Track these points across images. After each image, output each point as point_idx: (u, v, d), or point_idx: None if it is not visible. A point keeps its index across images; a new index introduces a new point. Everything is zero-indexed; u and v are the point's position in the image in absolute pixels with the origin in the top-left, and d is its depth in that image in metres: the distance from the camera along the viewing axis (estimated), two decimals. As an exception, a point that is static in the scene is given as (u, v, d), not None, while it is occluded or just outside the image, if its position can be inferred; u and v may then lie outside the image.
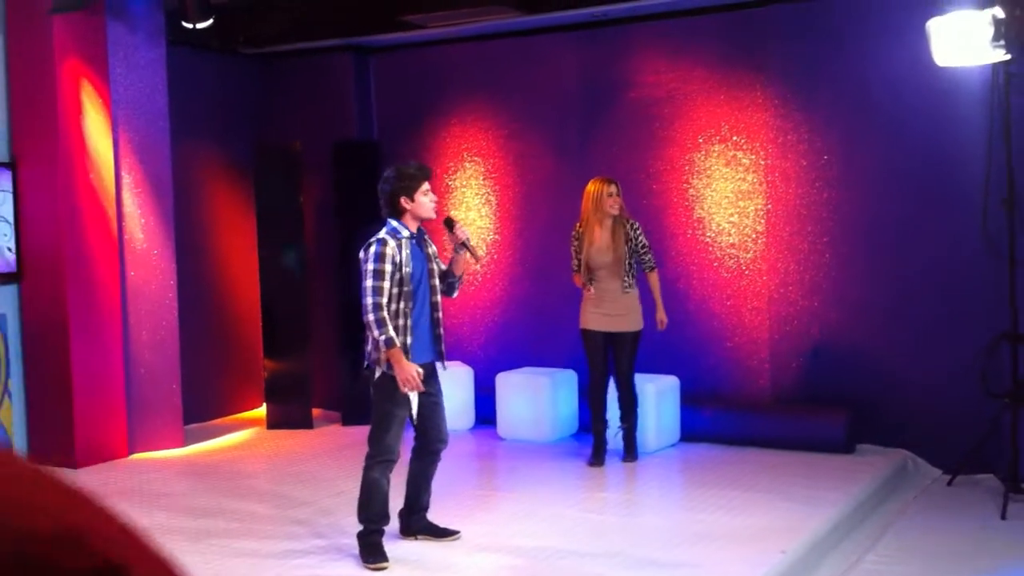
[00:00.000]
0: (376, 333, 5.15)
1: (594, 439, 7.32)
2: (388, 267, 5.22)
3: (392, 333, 5.15)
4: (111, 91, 7.70)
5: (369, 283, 5.19)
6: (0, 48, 7.49)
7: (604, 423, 7.30)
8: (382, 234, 5.33)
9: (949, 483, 7.06)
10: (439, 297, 5.47)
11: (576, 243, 7.23)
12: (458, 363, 8.68)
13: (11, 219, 7.49)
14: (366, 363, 5.37)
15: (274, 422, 8.79)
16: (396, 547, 5.55)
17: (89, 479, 7.16)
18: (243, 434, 8.65)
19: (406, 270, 5.26)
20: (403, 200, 5.35)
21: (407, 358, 5.19)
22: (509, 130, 8.93)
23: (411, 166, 5.49)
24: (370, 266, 5.21)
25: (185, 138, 8.67)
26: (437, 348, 5.47)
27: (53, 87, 7.35)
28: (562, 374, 8.25)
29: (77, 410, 7.41)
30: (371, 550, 5.30)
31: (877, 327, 7.61)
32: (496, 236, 8.99)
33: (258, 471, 7.43)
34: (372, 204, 8.88)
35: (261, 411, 9.27)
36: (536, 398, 8.05)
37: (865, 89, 7.57)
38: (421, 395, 5.36)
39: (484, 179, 9.05)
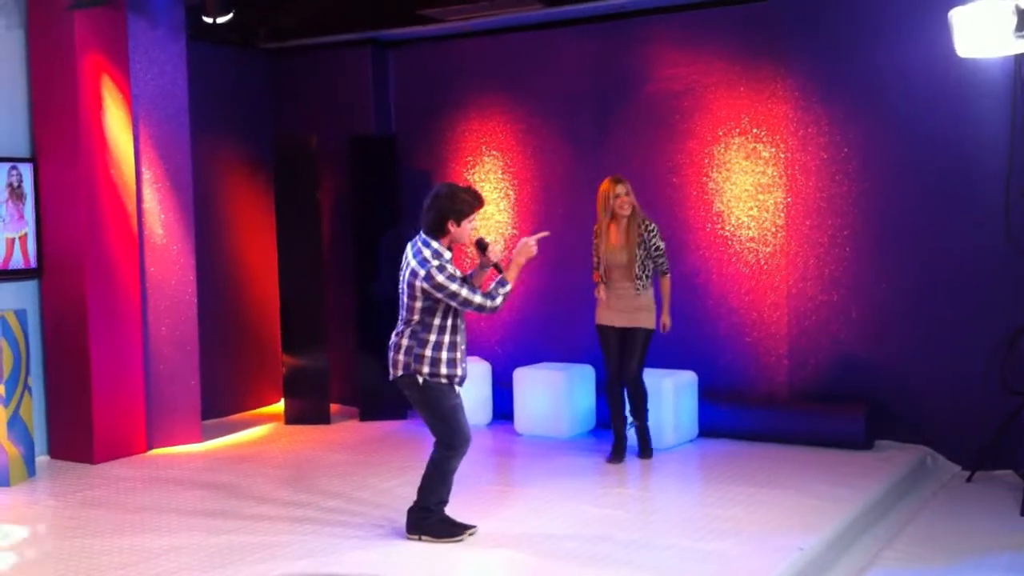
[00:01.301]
0: (497, 302, 5.34)
1: (613, 435, 7.30)
2: (451, 267, 5.34)
3: (489, 288, 5.38)
4: (131, 86, 7.74)
5: (455, 287, 5.26)
6: (21, 43, 7.53)
7: (623, 419, 7.29)
8: (435, 247, 5.36)
9: (968, 479, 7.02)
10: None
11: (595, 240, 7.23)
12: (476, 359, 8.69)
13: (32, 215, 7.52)
14: (402, 373, 5.44)
15: (292, 417, 8.82)
16: (411, 541, 5.55)
17: (108, 474, 7.20)
18: (261, 429, 8.68)
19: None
20: (450, 223, 5.37)
21: (454, 369, 5.41)
22: (527, 124, 8.91)
23: (468, 192, 5.46)
24: (442, 272, 5.26)
25: (204, 133, 8.70)
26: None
27: (74, 82, 7.38)
28: (579, 369, 8.23)
29: (96, 405, 7.45)
30: (445, 526, 5.54)
31: (896, 322, 7.56)
32: (514, 231, 8.97)
33: (276, 466, 7.45)
34: (389, 198, 8.93)
35: (279, 406, 9.29)
36: (553, 394, 8.04)
37: (886, 82, 7.51)
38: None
39: (502, 173, 9.04)
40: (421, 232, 5.43)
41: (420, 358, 5.36)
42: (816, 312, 7.84)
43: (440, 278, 5.25)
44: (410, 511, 5.58)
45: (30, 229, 7.51)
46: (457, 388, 5.49)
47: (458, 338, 5.43)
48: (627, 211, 7.09)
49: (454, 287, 5.26)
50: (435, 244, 5.37)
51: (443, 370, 5.38)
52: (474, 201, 5.42)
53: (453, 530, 5.54)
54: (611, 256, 7.13)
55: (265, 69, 9.64)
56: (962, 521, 6.19)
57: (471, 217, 5.40)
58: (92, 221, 7.47)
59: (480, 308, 5.32)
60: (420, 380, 5.37)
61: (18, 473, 6.95)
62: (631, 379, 7.22)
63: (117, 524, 6.00)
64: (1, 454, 6.83)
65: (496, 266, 5.50)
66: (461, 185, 5.56)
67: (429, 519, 5.54)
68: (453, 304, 5.31)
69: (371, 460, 7.50)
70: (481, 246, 5.53)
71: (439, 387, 5.40)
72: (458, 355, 5.43)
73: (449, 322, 5.38)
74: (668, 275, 7.27)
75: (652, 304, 7.18)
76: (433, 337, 5.35)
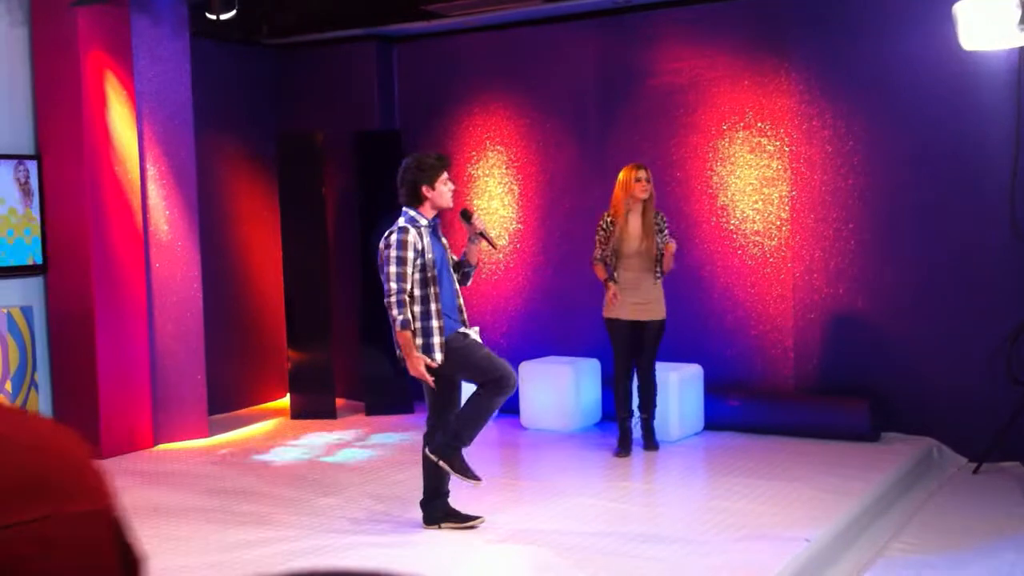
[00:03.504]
0: (395, 312, 5.33)
1: (619, 429, 7.30)
2: (410, 254, 5.39)
3: (409, 316, 5.34)
4: (135, 83, 7.74)
5: (392, 268, 5.36)
6: (25, 41, 7.54)
7: (630, 412, 7.28)
8: (402, 223, 5.49)
9: (975, 471, 7.01)
10: (458, 285, 5.69)
11: (602, 232, 7.18)
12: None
13: (37, 211, 7.54)
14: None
15: (298, 412, 8.83)
16: (418, 534, 5.57)
17: (115, 469, 7.21)
18: (267, 424, 8.70)
19: (429, 256, 5.44)
20: (424, 189, 5.52)
21: (442, 337, 5.39)
22: (531, 119, 8.91)
23: (431, 156, 5.63)
24: (393, 253, 5.38)
25: (208, 129, 8.71)
26: (461, 318, 5.65)
27: (78, 79, 7.39)
28: (585, 363, 8.24)
29: (103, 401, 7.47)
30: (463, 464, 5.47)
31: (902, 314, 7.55)
32: (519, 225, 8.98)
33: (282, 461, 7.46)
34: (394, 193, 8.91)
35: (285, 401, 9.31)
36: (559, 387, 8.05)
37: (891, 74, 7.50)
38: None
39: (506, 168, 9.04)
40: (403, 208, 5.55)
41: (423, 347, 5.41)
42: (822, 305, 7.83)
43: (388, 254, 5.36)
44: (438, 436, 5.56)
45: (36, 224, 7.52)
46: (463, 333, 5.50)
47: (437, 305, 5.41)
48: (646, 195, 7.06)
49: (391, 269, 5.33)
50: (412, 212, 5.49)
51: (435, 339, 5.39)
52: (437, 163, 5.57)
53: (467, 469, 5.48)
54: (628, 245, 7.10)
55: (269, 65, 9.65)
56: (969, 513, 6.19)
57: (442, 178, 5.53)
58: (97, 218, 7.48)
59: (385, 291, 5.35)
60: (435, 364, 5.41)
61: (25, 469, 6.96)
62: (644, 372, 7.21)
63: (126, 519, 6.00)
64: (8, 450, 6.83)
65: (484, 236, 5.59)
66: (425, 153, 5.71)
67: (454, 453, 5.46)
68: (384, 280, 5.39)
69: (379, 454, 7.51)
70: (465, 216, 5.64)
71: (448, 353, 5.42)
72: (433, 323, 5.39)
73: (430, 291, 5.42)
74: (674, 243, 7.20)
75: (663, 295, 7.18)
76: (418, 310, 5.41)
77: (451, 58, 9.26)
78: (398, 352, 5.47)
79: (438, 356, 5.40)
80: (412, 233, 5.41)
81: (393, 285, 5.34)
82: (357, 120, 9.28)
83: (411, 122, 9.40)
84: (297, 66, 9.66)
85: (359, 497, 6.35)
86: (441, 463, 5.49)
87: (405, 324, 5.33)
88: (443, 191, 5.55)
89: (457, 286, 5.64)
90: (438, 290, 5.44)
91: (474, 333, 5.64)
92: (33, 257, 7.47)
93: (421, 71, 9.41)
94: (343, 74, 9.49)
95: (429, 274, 5.42)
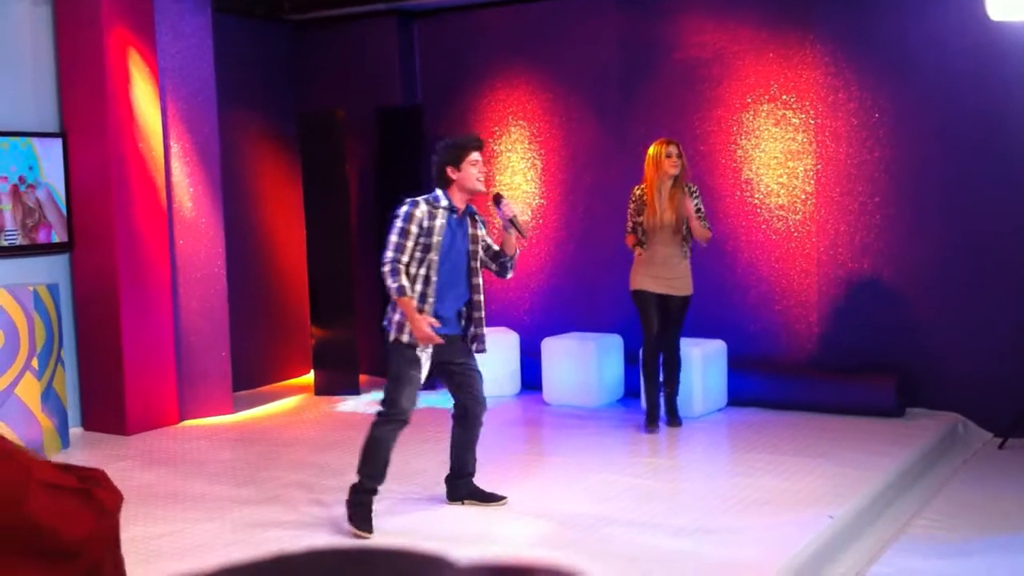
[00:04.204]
0: (389, 281, 5.19)
1: (647, 404, 7.26)
2: (414, 228, 5.24)
3: (405, 282, 5.19)
4: (158, 60, 7.75)
5: (393, 238, 5.24)
6: (48, 19, 7.56)
7: (658, 387, 7.25)
8: (419, 198, 5.35)
9: (1000, 446, 6.97)
10: (479, 280, 5.45)
11: (633, 205, 7.15)
12: (504, 328, 8.70)
13: (63, 189, 7.58)
14: (384, 322, 5.39)
15: (322, 388, 8.86)
16: (442, 511, 5.59)
17: (140, 446, 7.27)
18: (291, 400, 8.74)
19: (436, 238, 5.25)
20: (449, 170, 5.35)
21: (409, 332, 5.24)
22: (554, 93, 8.87)
23: (462, 136, 5.46)
24: (398, 224, 5.26)
25: (230, 106, 8.71)
26: (465, 327, 5.45)
27: (101, 57, 7.41)
28: (608, 339, 8.22)
29: (128, 378, 7.52)
30: (360, 512, 5.24)
31: (927, 289, 7.50)
32: (541, 200, 8.95)
33: (306, 437, 7.49)
34: (416, 169, 8.93)
35: (309, 377, 9.34)
36: (582, 363, 8.04)
37: (917, 45, 7.42)
38: (453, 365, 5.42)
39: (529, 143, 9.00)
40: None
41: (398, 324, 5.30)
42: (847, 280, 7.78)
43: (394, 223, 5.25)
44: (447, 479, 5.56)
45: (62, 204, 7.57)
46: (419, 352, 5.27)
47: (428, 290, 5.25)
48: (676, 170, 7.01)
49: (392, 238, 5.23)
50: (439, 192, 5.33)
51: (404, 331, 5.28)
52: (467, 142, 5.39)
53: (358, 520, 5.22)
54: (658, 220, 7.06)
55: (290, 41, 9.64)
56: (993, 488, 6.16)
57: (470, 159, 5.32)
58: (122, 195, 7.51)
59: (382, 259, 5.22)
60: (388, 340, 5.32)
61: (52, 444, 7.03)
62: (669, 347, 7.19)
63: (150, 494, 6.06)
64: (35, 426, 6.91)
65: (514, 223, 5.39)
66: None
67: (354, 487, 5.30)
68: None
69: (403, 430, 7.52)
70: (496, 199, 5.47)
71: (396, 348, 5.31)
72: (426, 307, 5.24)
73: (422, 273, 5.26)
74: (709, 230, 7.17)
75: (690, 271, 7.15)
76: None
77: (472, 33, 9.21)
78: (384, 322, 5.34)
79: (404, 337, 5.24)
80: (422, 208, 5.27)
81: (389, 254, 5.19)
82: (378, 96, 9.26)
83: (433, 98, 9.37)
84: (318, 42, 9.64)
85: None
86: (466, 502, 5.50)
87: (400, 291, 5.16)
88: (470, 172, 5.31)
89: (478, 296, 5.42)
90: (434, 277, 5.24)
91: (479, 345, 5.44)
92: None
93: (442, 46, 9.38)
94: (364, 50, 9.46)
95: (431, 256, 5.22)
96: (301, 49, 9.68)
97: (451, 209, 5.34)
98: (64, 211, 7.61)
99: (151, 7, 7.69)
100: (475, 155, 5.35)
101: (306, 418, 8.07)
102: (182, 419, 7.92)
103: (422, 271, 5.25)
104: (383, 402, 5.34)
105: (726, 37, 8.11)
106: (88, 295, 7.63)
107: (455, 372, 5.48)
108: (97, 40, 7.40)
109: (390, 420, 5.30)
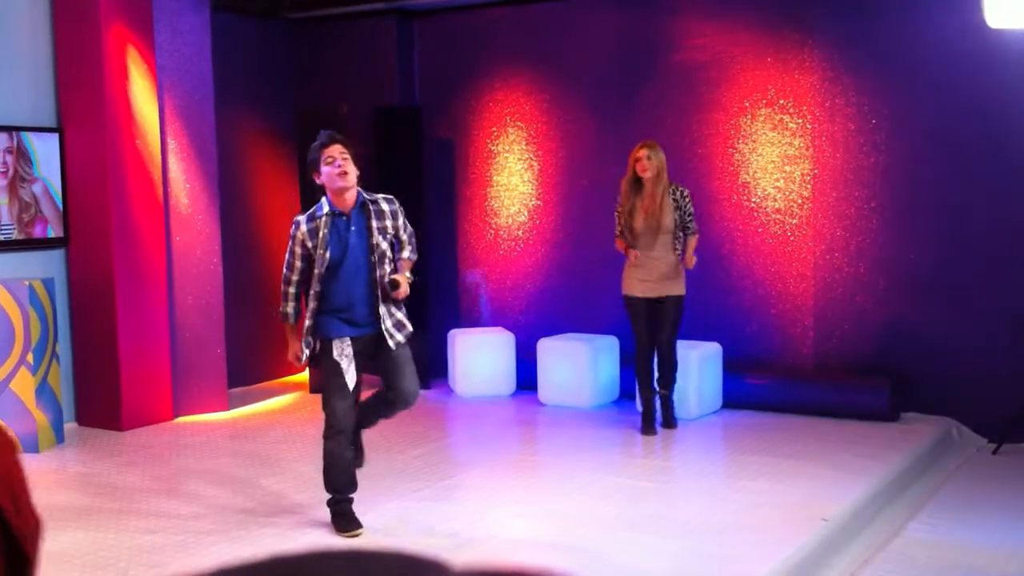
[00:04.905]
0: (281, 304, 5.31)
1: (643, 407, 7.26)
2: (298, 249, 5.16)
3: (289, 309, 5.28)
4: (156, 57, 7.74)
5: (286, 258, 5.25)
6: (47, 15, 7.55)
7: (652, 390, 7.24)
8: (300, 216, 5.22)
9: (994, 452, 6.99)
10: (386, 269, 5.17)
11: (619, 208, 7.16)
12: (499, 329, 8.70)
13: (59, 184, 7.57)
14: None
15: (317, 386, 8.83)
16: (436, 511, 5.58)
17: (135, 441, 7.27)
18: (286, 398, 8.74)
19: (320, 252, 5.08)
20: (315, 176, 5.20)
21: (318, 333, 5.17)
22: (552, 94, 8.87)
23: (316, 139, 5.22)
24: (289, 245, 5.22)
25: (228, 104, 8.70)
26: (377, 323, 5.17)
27: (99, 53, 7.40)
28: (603, 340, 8.23)
29: (123, 373, 7.51)
30: (342, 518, 5.26)
31: (923, 294, 7.51)
32: (538, 201, 8.95)
33: (300, 434, 7.49)
34: (413, 169, 8.92)
35: (304, 376, 9.33)
36: (577, 364, 8.04)
37: (915, 51, 7.43)
38: (376, 362, 5.26)
39: (526, 144, 9.00)
40: None
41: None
42: (842, 284, 7.80)
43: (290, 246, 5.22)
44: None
45: (58, 198, 7.56)
46: (337, 351, 5.09)
47: (333, 300, 5.11)
48: (647, 174, 6.99)
49: (287, 258, 5.23)
50: (322, 199, 5.20)
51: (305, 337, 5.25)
52: (317, 144, 5.15)
53: (343, 524, 5.23)
54: (636, 222, 7.07)
55: (289, 39, 9.63)
56: (987, 493, 6.17)
57: (323, 159, 5.07)
58: (118, 190, 7.50)
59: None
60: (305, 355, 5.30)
61: (47, 440, 7.02)
62: (664, 349, 7.17)
63: (144, 490, 6.06)
64: (30, 421, 6.90)
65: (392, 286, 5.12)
66: None
67: (329, 503, 5.31)
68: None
69: (397, 429, 7.52)
70: (392, 286, 5.12)
71: (317, 360, 5.29)
72: (338, 318, 5.13)
73: (321, 287, 5.15)
74: (697, 236, 7.16)
75: (681, 270, 7.13)
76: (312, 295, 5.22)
77: (471, 33, 9.21)
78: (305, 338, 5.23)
79: (318, 347, 5.20)
80: (303, 229, 5.10)
81: (283, 276, 5.28)
82: (377, 95, 9.25)
83: (431, 98, 9.37)
84: (317, 40, 9.63)
85: (376, 471, 6.36)
86: (331, 521, 5.35)
87: (283, 317, 5.30)
88: (328, 172, 5.07)
89: (377, 286, 5.13)
90: (335, 286, 5.09)
91: (395, 341, 5.15)
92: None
93: (441, 46, 9.37)
94: (363, 49, 9.46)
95: (316, 271, 5.09)
96: (300, 47, 9.67)
97: (334, 214, 5.13)
98: (60, 206, 7.61)
99: (149, 4, 7.68)
100: (327, 153, 5.10)
101: (300, 416, 8.07)
102: (177, 415, 7.91)
103: (320, 286, 5.12)
104: (325, 417, 5.25)
105: (725, 41, 8.11)
106: (84, 290, 7.63)
107: (380, 368, 5.29)
108: (95, 36, 7.39)
109: (332, 433, 5.20)
